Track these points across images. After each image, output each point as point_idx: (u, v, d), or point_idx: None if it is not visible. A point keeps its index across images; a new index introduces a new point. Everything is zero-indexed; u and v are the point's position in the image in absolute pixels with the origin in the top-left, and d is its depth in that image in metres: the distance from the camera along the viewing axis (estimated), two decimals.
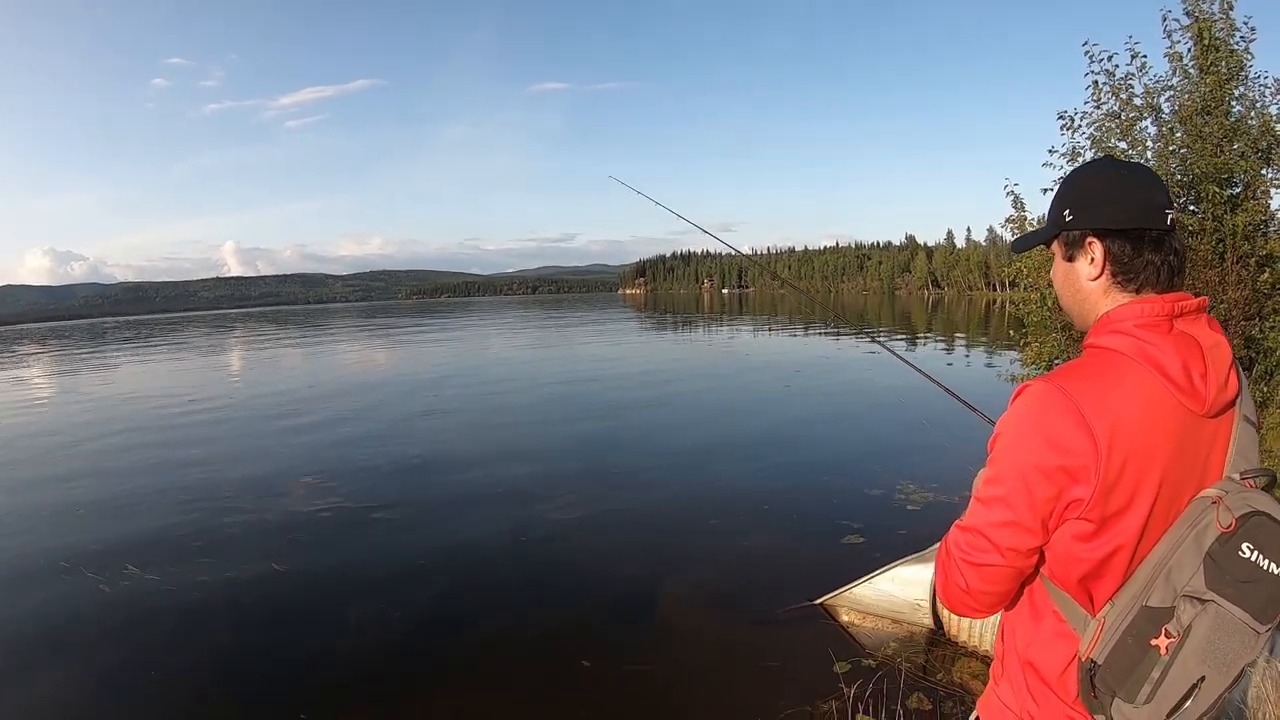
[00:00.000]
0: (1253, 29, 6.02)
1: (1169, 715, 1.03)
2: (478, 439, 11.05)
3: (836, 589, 4.81)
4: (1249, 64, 6.03)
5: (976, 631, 4.20)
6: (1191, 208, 6.16)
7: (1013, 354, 13.61)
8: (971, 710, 1.37)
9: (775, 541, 6.20)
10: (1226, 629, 1.01)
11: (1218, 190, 5.95)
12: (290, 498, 8.02)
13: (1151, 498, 1.08)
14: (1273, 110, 6.07)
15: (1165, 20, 6.25)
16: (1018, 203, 7.21)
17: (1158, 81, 6.37)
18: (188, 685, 4.36)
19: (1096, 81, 6.50)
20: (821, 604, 4.86)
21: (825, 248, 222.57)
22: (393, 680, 4.31)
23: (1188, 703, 1.03)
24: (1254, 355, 5.93)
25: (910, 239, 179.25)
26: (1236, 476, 1.11)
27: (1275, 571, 1.02)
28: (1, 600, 5.65)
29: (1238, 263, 5.81)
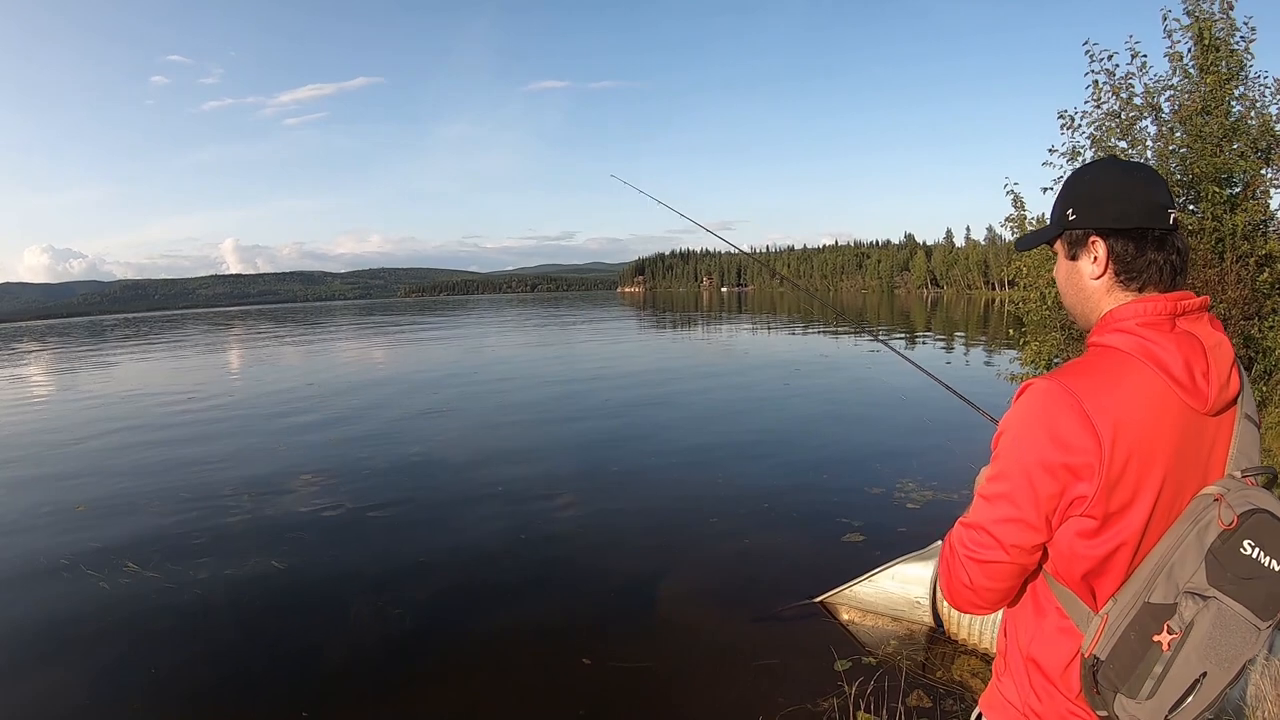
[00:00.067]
0: (1253, 29, 6.04)
1: (1171, 710, 1.04)
2: (477, 437, 11.06)
3: (837, 587, 4.82)
4: (1249, 64, 6.05)
5: (976, 629, 4.21)
6: (1191, 207, 6.17)
7: (1012, 353, 13.63)
8: (972, 708, 1.38)
9: (775, 539, 6.22)
10: (1228, 625, 1.02)
11: (1217, 190, 5.96)
12: (290, 496, 8.03)
13: (1154, 495, 1.08)
14: (1272, 110, 6.09)
15: (1165, 20, 6.28)
16: (1018, 201, 7.23)
17: (1158, 81, 6.40)
18: (188, 682, 4.36)
19: (1097, 81, 6.52)
20: (822, 602, 4.87)
21: (824, 246, 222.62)
22: (393, 677, 4.32)
23: (1189, 698, 1.04)
24: (1253, 354, 5.94)
25: (909, 237, 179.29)
26: (1238, 474, 1.12)
27: (1276, 568, 1.03)
28: (1, 598, 5.65)
29: (1237, 262, 5.82)
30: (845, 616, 4.76)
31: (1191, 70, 6.20)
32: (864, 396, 13.71)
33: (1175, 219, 1.16)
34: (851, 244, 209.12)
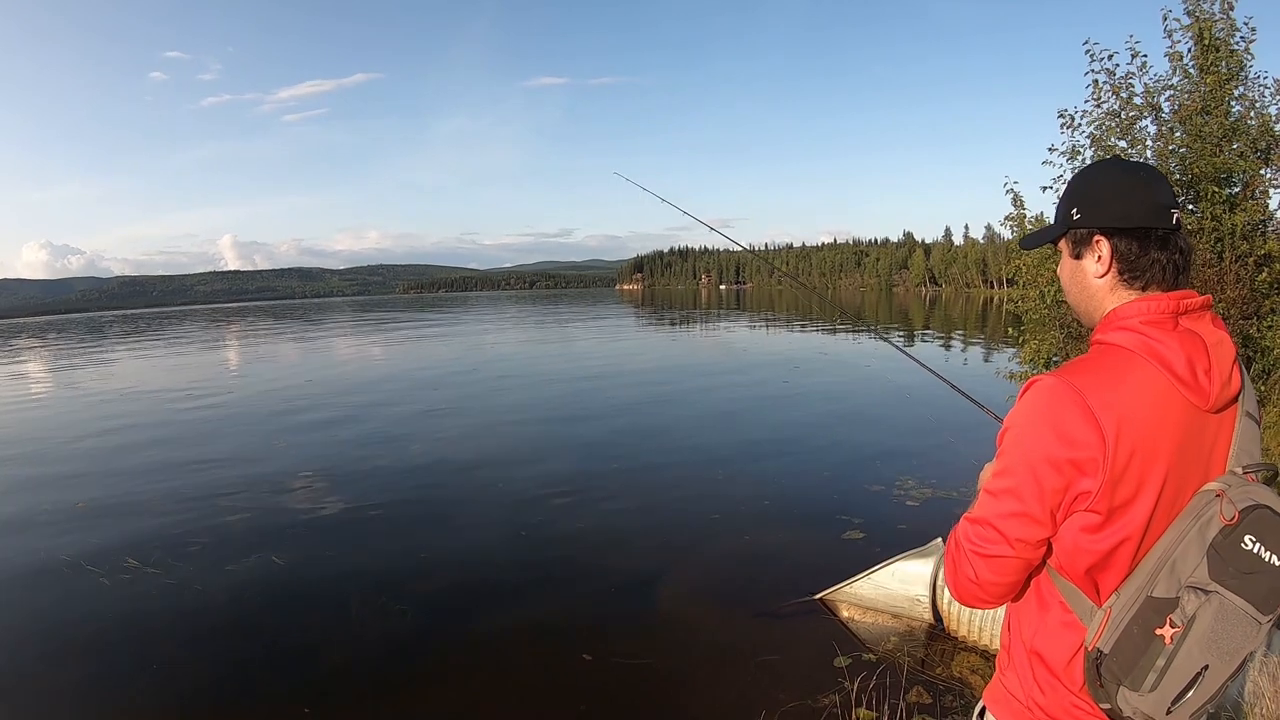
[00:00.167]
0: (1253, 29, 6.05)
1: (1173, 703, 1.06)
2: (477, 435, 11.06)
3: (837, 584, 4.84)
4: (1249, 64, 6.06)
5: (976, 626, 4.23)
6: (1190, 207, 6.18)
7: (1010, 351, 13.65)
8: (972, 704, 1.39)
9: (775, 536, 6.24)
10: (1229, 619, 1.04)
11: (1217, 190, 5.98)
12: (290, 493, 8.04)
13: (1157, 491, 1.10)
14: (1272, 110, 6.10)
15: (1166, 20, 6.28)
16: (1017, 200, 7.23)
17: (1158, 81, 6.40)
18: (189, 679, 4.37)
19: (1097, 80, 6.52)
20: (822, 599, 4.89)
21: (823, 244, 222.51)
22: (394, 674, 4.34)
23: (1191, 691, 1.05)
24: (1251, 354, 5.96)
25: (908, 236, 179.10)
26: (1239, 470, 1.14)
27: (1276, 563, 1.05)
28: (1, 595, 5.66)
29: (1236, 262, 5.84)
30: (845, 613, 4.78)
31: (1191, 70, 6.22)
32: (864, 394, 13.74)
33: (1178, 218, 1.18)
34: (850, 242, 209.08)
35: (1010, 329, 8.41)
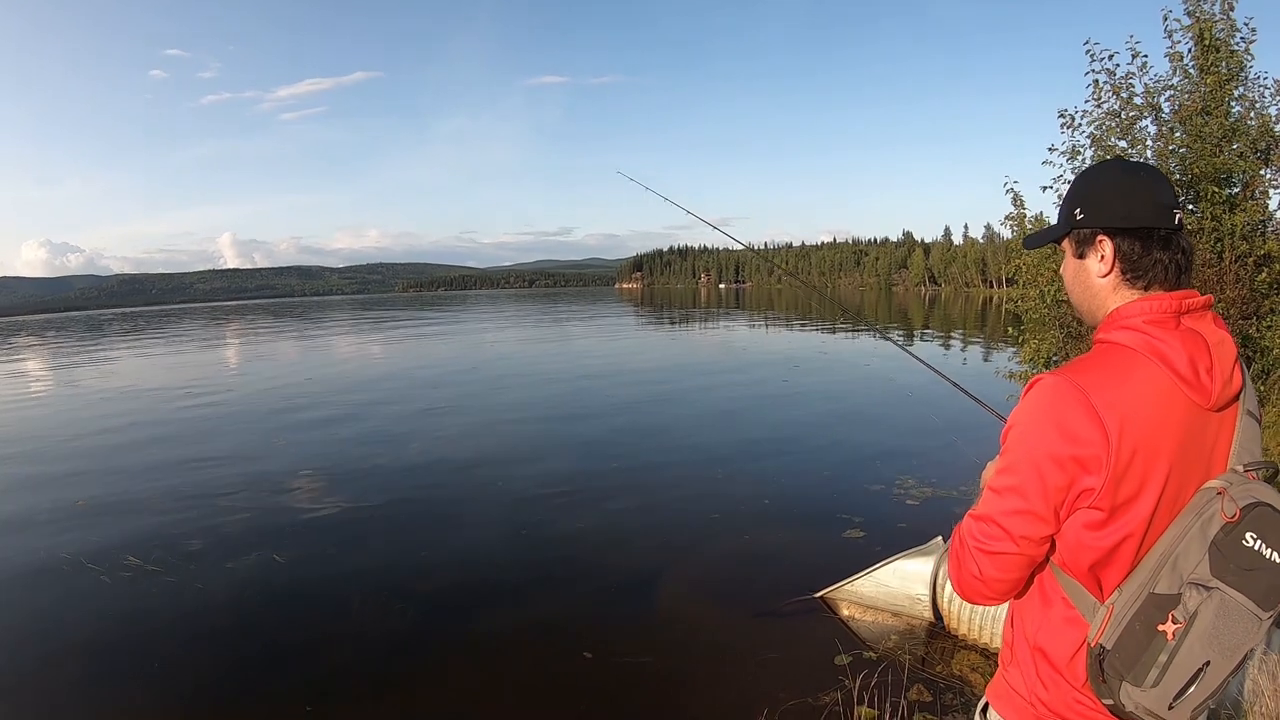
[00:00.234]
0: (1253, 30, 6.06)
1: (1175, 698, 1.07)
2: (477, 434, 11.07)
3: (837, 582, 4.85)
4: (1249, 65, 6.07)
5: (976, 624, 4.25)
6: (1190, 207, 6.20)
7: (1010, 351, 13.67)
8: (972, 702, 1.40)
9: (776, 535, 6.25)
10: (1231, 615, 1.05)
11: (1216, 190, 5.99)
12: (291, 492, 8.04)
13: (1159, 488, 1.11)
14: (1272, 111, 6.12)
15: (1166, 20, 6.29)
16: (1018, 200, 7.25)
17: (1158, 81, 6.41)
18: (190, 676, 4.38)
19: (1097, 80, 6.53)
20: (822, 597, 4.90)
21: (822, 243, 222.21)
22: (395, 671, 4.34)
23: (1193, 687, 1.06)
24: (1251, 354, 5.98)
25: (907, 235, 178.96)
26: (1240, 468, 1.15)
27: (1277, 560, 1.06)
28: (2, 593, 5.66)
29: (1235, 262, 5.85)
30: (846, 612, 4.79)
31: (1192, 70, 6.23)
32: (864, 393, 13.75)
33: (1180, 219, 1.19)
34: (850, 241, 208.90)
35: (1010, 329, 8.42)
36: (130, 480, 8.75)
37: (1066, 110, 6.74)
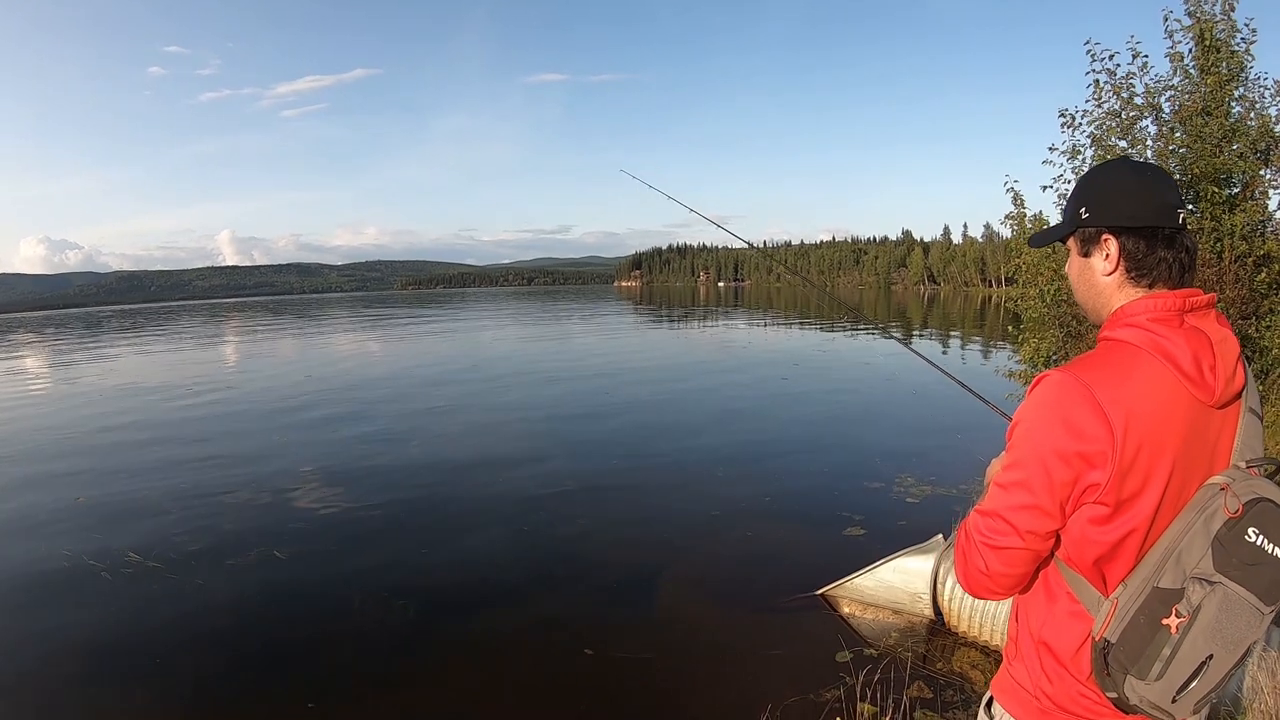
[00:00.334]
0: (1254, 30, 6.08)
1: (1178, 691, 1.08)
2: (478, 433, 11.08)
3: (838, 580, 4.87)
4: (1249, 65, 6.09)
5: (976, 622, 4.26)
6: (1190, 207, 6.22)
7: (1009, 350, 13.68)
8: (972, 699, 1.42)
9: (776, 533, 6.27)
10: (1233, 609, 1.06)
11: (1216, 190, 6.01)
12: (292, 490, 8.05)
13: (1163, 483, 1.12)
14: (1272, 112, 6.14)
15: (1167, 20, 6.31)
16: (1018, 199, 7.26)
17: (1158, 81, 6.43)
18: (192, 672, 4.39)
19: (1098, 80, 6.55)
20: (823, 595, 4.92)
21: (821, 242, 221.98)
22: (396, 668, 4.36)
23: (1196, 680, 1.08)
24: (1250, 353, 6.00)
25: (907, 234, 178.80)
26: (1243, 465, 1.17)
27: (1279, 555, 1.07)
28: (2, 591, 5.67)
29: (1235, 262, 5.87)
30: (846, 609, 4.81)
31: (1192, 71, 6.25)
32: (864, 391, 13.77)
33: (1184, 218, 1.21)
34: (849, 240, 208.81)
35: (1009, 327, 8.44)
36: (130, 478, 8.75)
37: (1067, 110, 6.76)
